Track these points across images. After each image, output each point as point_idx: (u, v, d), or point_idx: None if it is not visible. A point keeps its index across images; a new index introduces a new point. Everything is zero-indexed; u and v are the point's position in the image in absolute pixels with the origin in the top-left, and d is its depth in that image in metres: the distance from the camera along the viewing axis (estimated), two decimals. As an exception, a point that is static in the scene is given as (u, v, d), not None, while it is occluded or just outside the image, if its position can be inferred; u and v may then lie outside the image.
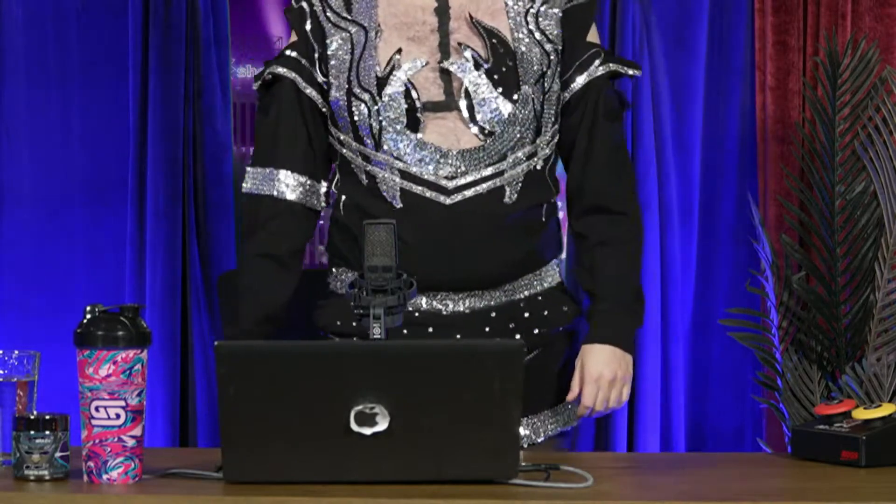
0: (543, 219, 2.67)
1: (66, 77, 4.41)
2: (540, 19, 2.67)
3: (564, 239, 2.87)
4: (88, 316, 2.07)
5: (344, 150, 2.66)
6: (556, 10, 2.68)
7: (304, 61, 2.67)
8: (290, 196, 2.67)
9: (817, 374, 4.00)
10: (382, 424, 2.02)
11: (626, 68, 2.71)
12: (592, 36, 2.72)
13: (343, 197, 2.67)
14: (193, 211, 4.36)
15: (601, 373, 2.62)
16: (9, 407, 2.23)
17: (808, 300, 4.00)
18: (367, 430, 2.01)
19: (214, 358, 2.03)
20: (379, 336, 2.13)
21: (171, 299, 4.34)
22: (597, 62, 2.69)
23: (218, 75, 4.38)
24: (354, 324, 2.58)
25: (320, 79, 2.66)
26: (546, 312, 2.68)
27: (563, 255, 2.76)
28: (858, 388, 3.85)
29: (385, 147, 2.60)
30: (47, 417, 2.08)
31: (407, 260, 2.44)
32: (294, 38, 2.71)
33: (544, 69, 2.64)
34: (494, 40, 2.63)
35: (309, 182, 2.69)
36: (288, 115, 2.68)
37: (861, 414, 2.33)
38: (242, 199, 2.72)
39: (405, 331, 2.55)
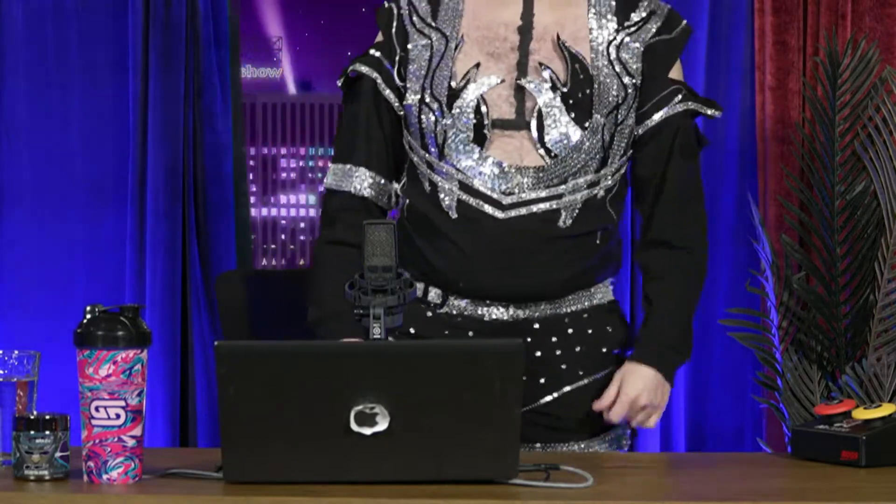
0: (598, 241, 2.64)
1: (66, 77, 4.42)
2: (622, 51, 2.64)
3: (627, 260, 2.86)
4: (88, 316, 2.07)
5: (413, 156, 2.67)
6: (638, 45, 2.65)
7: (385, 62, 2.68)
8: (365, 193, 2.69)
9: (817, 374, 4.00)
10: (382, 424, 2.02)
11: (705, 108, 2.68)
12: (676, 72, 2.68)
13: (408, 201, 2.68)
14: (193, 211, 4.36)
15: (639, 395, 2.60)
16: (9, 407, 2.23)
17: (808, 300, 4.00)
18: (367, 430, 2.01)
19: (214, 358, 2.03)
20: (379, 336, 2.13)
21: (171, 299, 4.34)
22: (676, 99, 2.66)
23: (218, 75, 4.38)
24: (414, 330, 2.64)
25: (398, 82, 2.67)
26: (590, 331, 2.66)
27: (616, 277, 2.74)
28: (858, 388, 3.86)
29: (448, 158, 2.61)
30: (47, 417, 2.08)
31: (459, 267, 2.54)
32: (380, 37, 2.72)
33: (619, 101, 2.61)
34: (577, 65, 2.61)
35: (383, 181, 2.70)
36: (367, 114, 2.69)
37: (861, 414, 2.33)
38: (323, 192, 2.75)
39: (446, 332, 2.58)
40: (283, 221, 4.52)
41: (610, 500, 2.01)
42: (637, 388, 2.60)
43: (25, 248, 4.41)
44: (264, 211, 4.52)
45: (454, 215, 2.60)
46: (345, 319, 2.41)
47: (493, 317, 2.61)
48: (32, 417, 2.08)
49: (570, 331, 2.64)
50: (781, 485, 2.19)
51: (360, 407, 2.01)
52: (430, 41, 2.66)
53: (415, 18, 2.69)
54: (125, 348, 2.05)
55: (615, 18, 2.66)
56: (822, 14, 4.36)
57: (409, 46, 2.67)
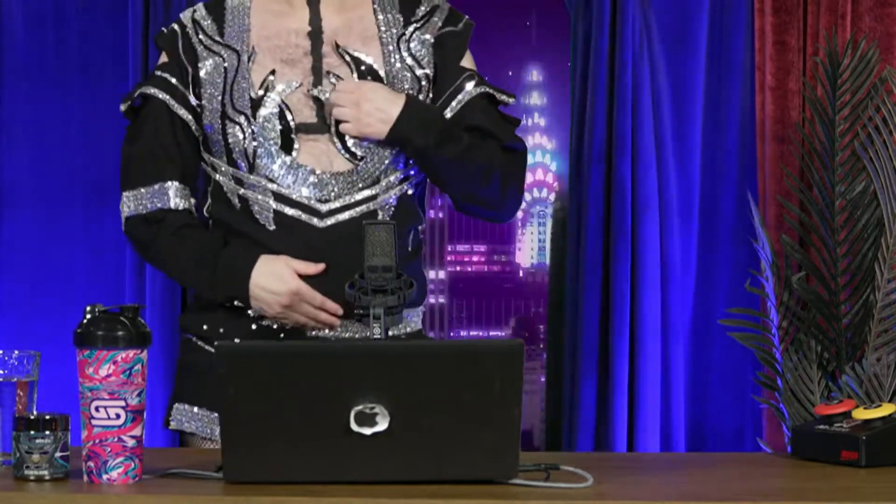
0: (410, 248, 2.66)
1: (66, 77, 4.42)
2: (412, 44, 2.67)
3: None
4: (88, 316, 2.07)
5: (217, 176, 2.65)
6: (428, 36, 2.68)
7: (175, 81, 2.66)
8: (183, 206, 2.66)
9: (817, 374, 4.00)
10: (382, 424, 2.02)
11: (500, 93, 2.69)
12: (468, 62, 2.72)
13: (212, 221, 2.66)
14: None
15: (365, 94, 2.56)
16: (9, 407, 2.23)
17: (808, 300, 4.00)
18: (367, 430, 2.01)
19: (214, 358, 2.03)
20: (379, 336, 2.13)
21: (171, 299, 4.34)
22: (469, 85, 2.67)
23: (218, 75, 4.38)
24: (222, 330, 2.61)
25: (193, 101, 2.65)
26: (403, 338, 2.65)
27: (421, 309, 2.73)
28: (858, 388, 3.86)
29: (259, 170, 2.60)
30: (47, 417, 2.08)
31: None
32: (164, 58, 2.69)
33: (414, 93, 2.64)
34: (363, 67, 2.63)
35: (191, 197, 2.68)
36: (163, 134, 2.65)
37: (861, 414, 2.33)
38: (129, 227, 2.67)
39: None
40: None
41: (610, 500, 2.01)
42: (371, 93, 2.57)
43: (25, 248, 4.41)
44: (264, 211, 4.52)
45: (272, 227, 2.59)
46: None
47: (316, 333, 2.59)
48: (32, 417, 2.08)
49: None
50: (781, 485, 2.19)
51: (360, 407, 2.01)
52: (221, 58, 2.64)
53: (201, 37, 2.66)
54: (125, 348, 2.05)
55: (401, 15, 2.69)
56: (822, 14, 4.36)
57: (200, 65, 2.64)
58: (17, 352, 2.26)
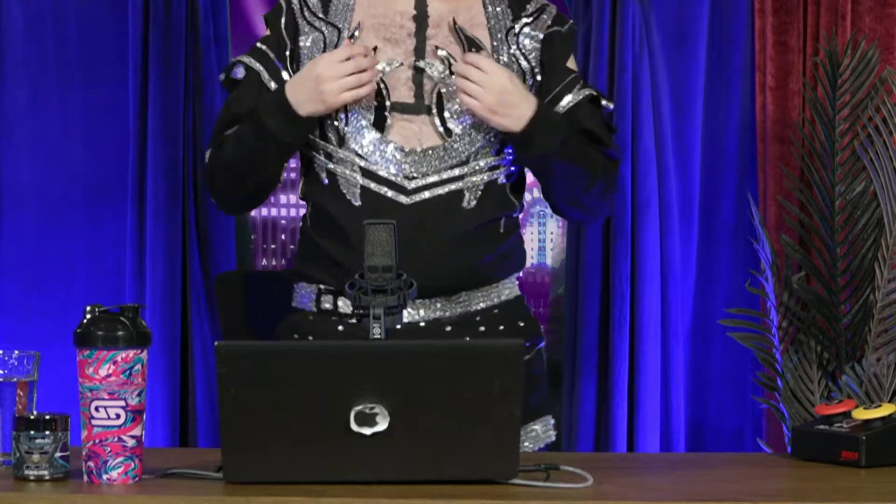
0: (501, 230, 2.66)
1: (66, 77, 4.41)
2: (521, 39, 2.69)
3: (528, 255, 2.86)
4: (88, 316, 2.07)
5: (307, 151, 2.66)
6: (538, 33, 2.70)
7: (272, 56, 2.67)
8: None
9: (817, 374, 4.00)
10: (382, 424, 2.02)
11: (604, 98, 2.72)
12: (572, 63, 2.75)
13: (309, 206, 2.67)
14: (193, 211, 4.36)
15: (502, 80, 2.55)
16: (9, 407, 2.23)
17: (808, 300, 4.00)
18: (367, 430, 2.02)
19: (214, 358, 2.03)
20: (379, 336, 2.13)
21: (171, 299, 4.34)
22: (580, 85, 2.70)
23: (218, 75, 4.38)
24: (311, 338, 2.62)
25: (286, 76, 2.65)
26: (502, 328, 2.67)
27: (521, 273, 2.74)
28: (858, 388, 3.86)
29: (348, 144, 2.61)
30: (47, 417, 2.08)
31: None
32: (268, 33, 2.71)
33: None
34: (473, 49, 2.64)
35: None
36: (250, 105, 2.65)
37: (861, 414, 2.33)
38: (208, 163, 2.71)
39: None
40: (283, 221, 4.51)
41: (610, 500, 2.01)
42: (510, 83, 2.56)
43: (25, 248, 4.40)
44: (264, 211, 4.51)
45: (357, 202, 2.59)
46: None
47: (406, 322, 2.58)
48: (32, 417, 2.09)
49: (481, 328, 2.64)
50: (781, 485, 2.19)
51: (360, 407, 2.02)
52: (321, 34, 2.66)
53: (306, 13, 2.68)
54: (125, 348, 2.06)
55: (510, 9, 2.71)
56: (822, 14, 4.35)
57: (301, 39, 2.67)
58: (17, 352, 2.26)
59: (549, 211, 4.81)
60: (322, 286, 2.65)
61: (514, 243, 2.70)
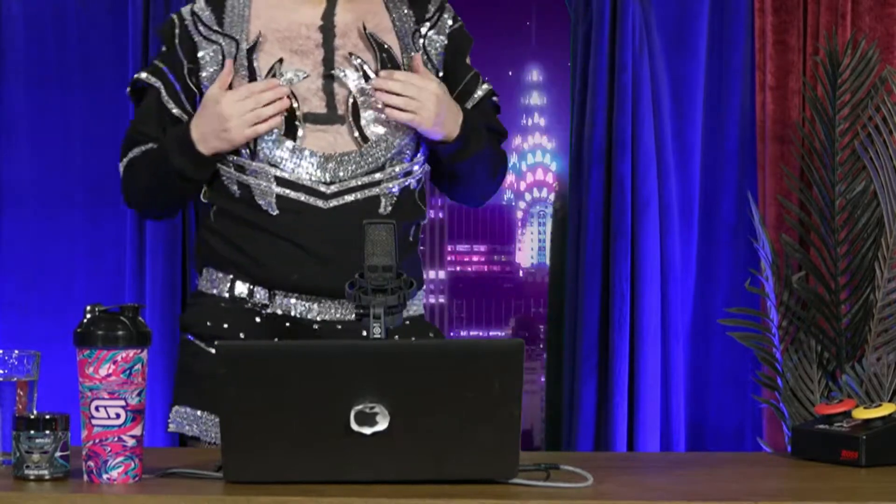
0: (411, 238, 2.69)
1: (66, 77, 4.42)
2: (426, 42, 2.71)
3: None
4: (88, 316, 2.07)
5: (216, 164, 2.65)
6: (441, 37, 2.73)
7: (169, 74, 2.68)
8: None
9: (817, 374, 4.00)
10: (382, 424, 2.02)
11: (494, 95, 2.80)
12: (468, 58, 2.80)
13: (214, 207, 2.67)
14: (193, 211, 4.36)
15: (430, 87, 2.60)
16: (9, 407, 2.23)
17: (808, 300, 4.01)
18: (367, 430, 2.01)
19: (215, 358, 2.03)
20: (379, 336, 2.13)
21: (171, 299, 4.34)
22: (479, 84, 2.76)
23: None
24: (226, 325, 2.61)
25: (192, 90, 2.66)
26: (413, 339, 2.66)
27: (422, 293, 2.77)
28: (858, 388, 3.86)
29: (261, 155, 2.61)
30: (47, 417, 2.08)
31: (291, 259, 2.54)
32: (164, 49, 2.71)
33: None
34: (384, 55, 2.66)
35: None
36: (149, 122, 2.69)
37: (861, 414, 2.33)
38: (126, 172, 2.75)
39: (276, 338, 2.58)
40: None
41: (610, 500, 2.01)
42: (442, 92, 2.62)
43: (25, 248, 4.41)
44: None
45: (275, 211, 2.60)
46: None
47: (324, 318, 2.60)
48: (32, 417, 2.08)
49: (395, 337, 2.61)
50: (781, 484, 2.19)
51: (360, 407, 2.01)
52: (219, 46, 2.66)
53: (200, 27, 2.68)
54: (125, 348, 2.05)
55: (411, 11, 2.73)
56: (822, 14, 4.36)
57: (200, 55, 2.67)
58: (17, 352, 2.26)
59: (549, 211, 4.80)
60: (234, 276, 2.65)
61: (414, 260, 2.71)
